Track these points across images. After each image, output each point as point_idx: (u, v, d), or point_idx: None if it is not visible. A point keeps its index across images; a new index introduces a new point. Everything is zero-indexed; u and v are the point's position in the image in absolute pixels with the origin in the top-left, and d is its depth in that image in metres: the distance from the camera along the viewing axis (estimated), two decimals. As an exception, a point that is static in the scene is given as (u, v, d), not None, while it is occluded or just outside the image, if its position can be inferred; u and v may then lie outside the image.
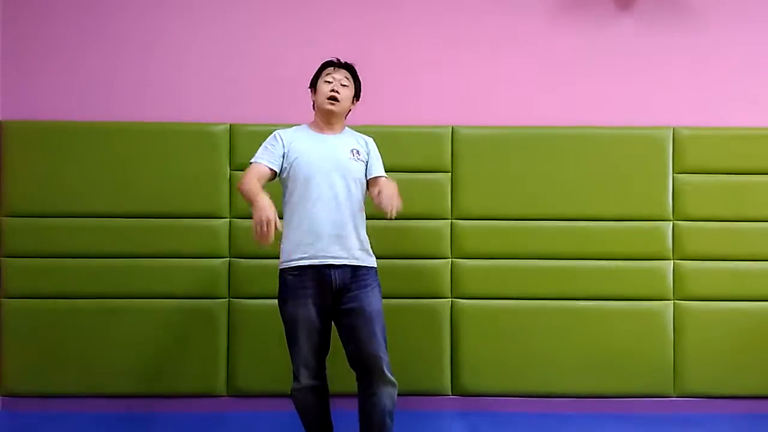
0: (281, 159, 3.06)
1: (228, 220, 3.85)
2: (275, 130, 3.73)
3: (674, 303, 3.86)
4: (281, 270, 3.05)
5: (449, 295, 3.86)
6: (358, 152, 3.12)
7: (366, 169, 3.14)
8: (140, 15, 3.95)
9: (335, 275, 2.98)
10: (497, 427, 3.60)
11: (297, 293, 2.98)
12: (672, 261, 3.87)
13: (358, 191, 3.08)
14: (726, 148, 3.87)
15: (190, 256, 3.82)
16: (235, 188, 3.82)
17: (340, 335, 3.04)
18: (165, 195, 3.82)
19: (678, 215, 3.87)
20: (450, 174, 3.85)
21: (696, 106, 3.95)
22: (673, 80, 3.96)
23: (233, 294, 3.84)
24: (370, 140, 3.21)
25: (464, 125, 3.88)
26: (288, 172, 3.06)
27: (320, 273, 2.98)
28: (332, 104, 3.09)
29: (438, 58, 3.95)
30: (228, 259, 3.84)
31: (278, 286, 3.05)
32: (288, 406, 3.74)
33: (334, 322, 3.06)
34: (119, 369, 3.81)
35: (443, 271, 3.84)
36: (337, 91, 3.08)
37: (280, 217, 2.99)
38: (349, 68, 3.16)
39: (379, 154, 3.20)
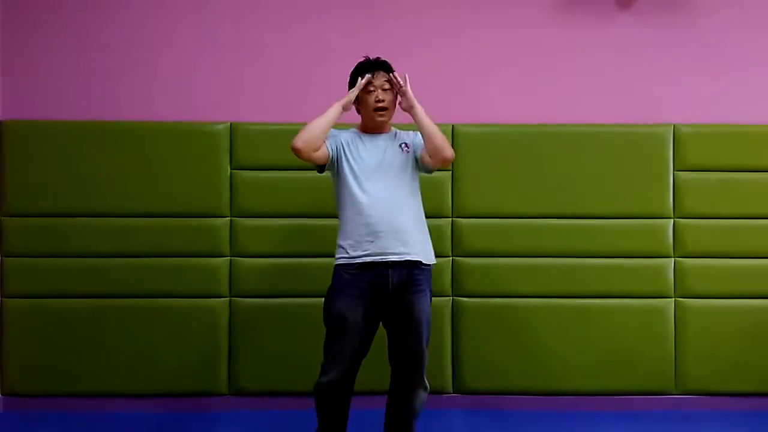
0: (337, 148, 3.09)
1: (229, 218, 3.85)
2: (278, 129, 3.77)
3: (675, 300, 3.86)
4: (337, 266, 3.07)
5: (450, 293, 3.86)
6: (407, 144, 3.16)
7: (415, 154, 3.15)
8: (141, 14, 3.93)
9: (392, 274, 3.01)
10: (499, 424, 3.61)
11: (349, 292, 3.00)
12: (673, 258, 3.87)
13: (413, 186, 3.13)
14: (727, 145, 3.87)
15: (190, 255, 3.82)
16: (235, 187, 3.82)
17: (387, 332, 3.09)
18: (166, 194, 3.81)
19: (679, 212, 3.87)
20: (451, 172, 3.85)
21: (697, 103, 3.94)
22: (674, 77, 3.96)
23: (234, 293, 3.84)
24: (410, 132, 3.22)
25: (465, 123, 3.88)
26: (341, 173, 3.09)
27: (378, 270, 3.00)
28: (382, 116, 3.12)
29: (438, 57, 3.94)
30: (229, 258, 3.84)
31: (332, 279, 3.08)
32: (291, 405, 3.76)
33: (383, 320, 3.08)
34: (120, 369, 3.80)
35: (444, 269, 3.84)
36: (381, 100, 3.10)
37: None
38: (384, 67, 3.15)
39: (419, 134, 3.19)
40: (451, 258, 3.86)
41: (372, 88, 3.11)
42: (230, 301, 3.83)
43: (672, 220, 3.87)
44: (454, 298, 3.86)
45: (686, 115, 3.93)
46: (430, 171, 3.20)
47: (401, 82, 3.11)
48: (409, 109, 3.12)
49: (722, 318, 3.85)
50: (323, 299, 3.10)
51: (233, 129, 3.84)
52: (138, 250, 3.81)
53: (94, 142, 3.82)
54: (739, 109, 3.94)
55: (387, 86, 3.13)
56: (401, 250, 3.02)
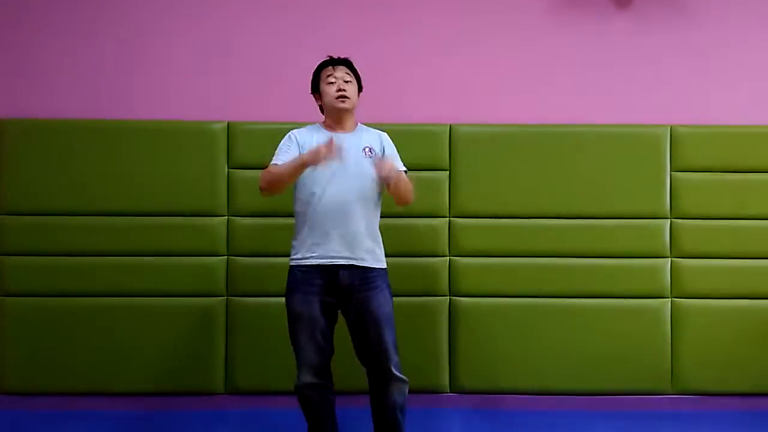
0: (297, 154, 3.06)
1: (226, 218, 3.85)
2: (274, 128, 3.77)
3: (671, 301, 3.87)
4: (291, 265, 3.08)
5: (447, 293, 3.86)
6: (371, 149, 3.11)
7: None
8: (138, 13, 3.94)
9: (343, 275, 3.00)
10: (495, 424, 3.61)
11: (303, 289, 3.01)
12: (669, 259, 3.87)
13: (371, 190, 3.07)
14: (724, 146, 3.87)
15: (188, 254, 3.82)
16: (233, 186, 3.83)
17: (351, 336, 3.08)
18: (163, 193, 3.81)
19: (675, 213, 3.88)
20: (448, 172, 3.86)
21: (694, 104, 3.95)
22: (671, 78, 3.97)
23: (231, 292, 3.84)
24: (385, 135, 3.19)
25: (462, 123, 3.88)
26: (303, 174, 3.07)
27: (328, 272, 3.00)
28: (343, 101, 3.09)
29: (436, 56, 3.95)
30: (226, 257, 3.84)
31: (287, 280, 3.07)
32: (286, 404, 3.76)
33: (347, 323, 3.08)
34: (117, 367, 3.80)
35: (441, 268, 3.85)
36: (343, 89, 3.08)
37: (292, 216, 3.05)
38: (347, 63, 3.16)
39: (394, 147, 3.19)
40: (448, 258, 3.86)
41: (332, 80, 3.09)
42: (227, 300, 3.84)
43: (669, 220, 3.88)
44: (451, 297, 3.86)
45: (683, 115, 3.94)
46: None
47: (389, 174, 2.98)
48: (388, 179, 3.00)
49: (718, 318, 3.85)
50: None
51: (231, 128, 3.85)
52: (135, 249, 3.81)
53: (91, 140, 3.82)
54: (736, 110, 3.95)
55: (348, 79, 3.11)
56: (348, 254, 3.00)
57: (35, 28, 3.91)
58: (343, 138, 3.07)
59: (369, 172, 3.05)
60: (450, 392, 3.87)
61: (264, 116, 3.88)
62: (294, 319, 3.04)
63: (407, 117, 3.89)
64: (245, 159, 3.83)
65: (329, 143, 2.89)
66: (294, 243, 3.09)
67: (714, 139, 3.88)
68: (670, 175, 3.88)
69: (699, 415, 3.76)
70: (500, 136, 3.88)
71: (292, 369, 3.70)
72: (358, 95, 3.18)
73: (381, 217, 3.68)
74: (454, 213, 3.87)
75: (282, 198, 3.78)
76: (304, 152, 3.01)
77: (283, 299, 3.72)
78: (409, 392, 3.58)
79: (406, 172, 3.17)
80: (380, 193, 3.13)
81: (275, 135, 3.73)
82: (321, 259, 3.00)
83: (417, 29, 3.96)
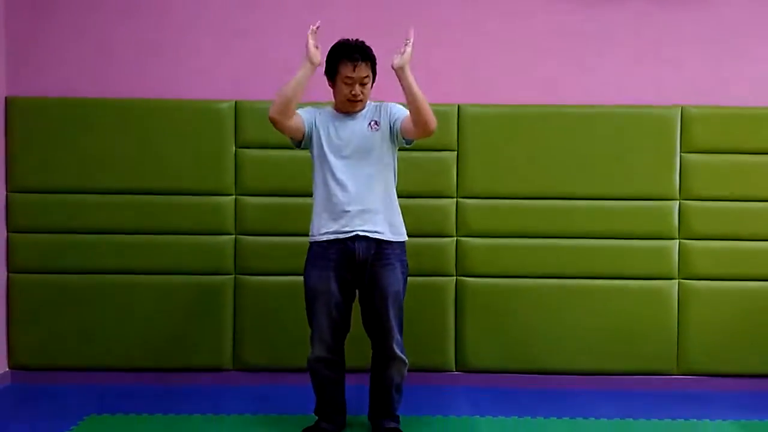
0: (310, 126, 3.11)
1: (234, 197, 3.86)
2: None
3: (679, 282, 3.86)
4: (310, 242, 3.14)
5: (454, 273, 3.87)
6: (376, 122, 3.13)
7: (390, 129, 3.12)
8: (146, -10, 3.92)
9: (359, 247, 3.05)
10: (501, 402, 3.63)
11: (319, 264, 3.07)
12: (678, 240, 3.86)
13: (384, 163, 3.12)
14: (734, 128, 3.84)
15: (196, 232, 3.84)
16: (240, 165, 3.83)
17: (360, 309, 3.15)
18: (171, 172, 3.82)
19: (685, 194, 3.86)
20: (456, 152, 3.84)
21: (705, 85, 3.91)
22: (682, 59, 3.92)
23: (239, 270, 3.86)
24: (385, 103, 3.19)
25: (470, 103, 3.86)
26: (314, 151, 3.13)
27: (345, 245, 3.05)
28: (354, 106, 3.11)
29: (443, 36, 3.91)
30: (234, 235, 3.86)
31: (307, 255, 3.14)
32: (293, 380, 3.80)
33: (358, 296, 3.15)
34: (126, 343, 3.85)
35: (449, 249, 3.85)
36: (357, 93, 3.07)
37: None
38: (367, 58, 3.07)
39: (396, 106, 3.17)
40: (455, 238, 3.86)
41: (349, 81, 3.05)
42: (235, 279, 3.86)
43: (678, 201, 3.86)
44: (458, 277, 3.87)
45: (694, 96, 3.90)
46: (410, 142, 3.16)
47: (408, 40, 3.02)
48: (400, 69, 2.99)
49: (725, 300, 3.85)
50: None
51: (238, 107, 3.84)
52: (143, 227, 3.83)
53: (99, 119, 3.83)
54: (747, 91, 3.90)
55: (366, 81, 3.08)
56: (366, 227, 3.05)
57: (43, 6, 3.89)
58: (352, 118, 3.13)
59: (378, 145, 3.09)
60: (456, 371, 3.90)
61: (272, 95, 3.83)
62: (311, 293, 3.09)
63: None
64: (253, 138, 3.82)
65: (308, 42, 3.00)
66: (313, 219, 3.14)
67: (725, 121, 3.84)
68: (680, 156, 3.85)
69: (705, 396, 3.77)
70: (508, 116, 3.85)
71: (298, 346, 3.74)
72: (372, 85, 3.15)
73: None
74: (462, 193, 3.86)
75: (289, 177, 3.81)
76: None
77: (290, 278, 3.79)
78: (416, 370, 3.63)
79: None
80: (395, 168, 3.18)
81: (283, 114, 3.77)
82: (337, 234, 3.05)
83: (425, 11, 3.91)
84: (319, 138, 3.11)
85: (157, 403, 3.59)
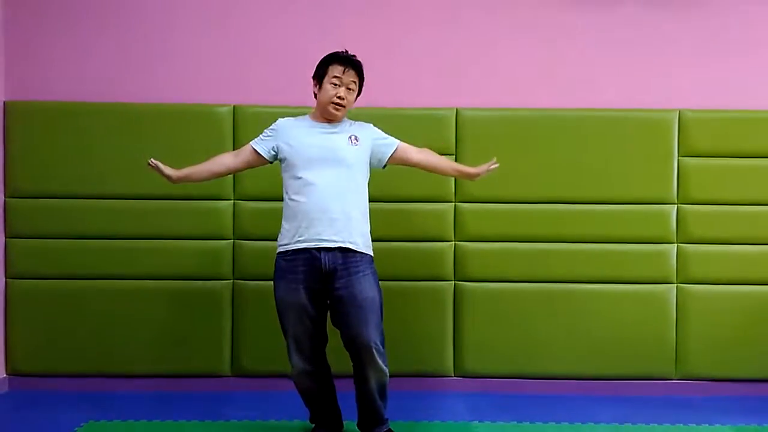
0: (274, 149, 3.13)
1: (232, 201, 3.86)
2: (279, 111, 3.76)
3: (677, 286, 3.86)
4: (277, 255, 3.11)
5: (452, 278, 3.87)
6: (356, 138, 3.12)
7: (371, 154, 3.16)
8: (144, -5, 3.92)
9: (325, 258, 3.00)
10: (499, 408, 3.63)
11: (287, 277, 3.03)
12: (676, 244, 3.86)
13: (357, 178, 3.09)
14: (732, 131, 3.84)
15: (194, 237, 3.84)
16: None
17: (332, 321, 3.08)
18: (169, 177, 3.82)
19: (682, 198, 3.86)
20: (454, 156, 3.84)
21: (702, 89, 3.91)
22: (679, 63, 3.93)
23: (237, 275, 3.86)
24: (368, 125, 3.22)
25: (468, 107, 3.86)
26: (286, 161, 3.11)
27: (311, 256, 3.01)
28: (337, 110, 3.09)
29: (442, 40, 3.92)
30: (232, 240, 3.86)
31: (274, 269, 3.11)
32: (291, 386, 3.77)
33: (329, 309, 3.09)
34: (125, 349, 3.84)
35: (447, 253, 3.85)
36: (342, 98, 3.07)
37: (279, 200, 3.13)
38: (356, 67, 3.11)
39: (380, 131, 3.22)
40: (453, 243, 3.86)
41: (337, 82, 3.06)
42: (233, 284, 3.86)
43: (675, 205, 3.86)
44: (456, 282, 3.87)
45: (692, 100, 3.90)
46: (385, 167, 3.23)
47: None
48: (476, 176, 3.29)
49: (724, 304, 3.85)
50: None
51: (237, 111, 3.84)
52: (142, 232, 3.83)
53: (98, 123, 3.82)
54: (744, 94, 3.91)
55: (352, 87, 3.10)
56: (334, 237, 3.01)
57: (42, 11, 3.89)
58: (329, 128, 3.12)
59: (355, 160, 3.08)
60: (454, 376, 3.89)
61: (270, 100, 3.87)
62: (281, 306, 3.05)
63: (413, 101, 3.87)
64: (251, 143, 3.82)
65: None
66: (280, 233, 3.11)
67: (722, 125, 3.85)
68: (678, 160, 3.85)
69: (703, 401, 3.78)
70: (507, 120, 3.86)
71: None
72: (355, 99, 3.17)
73: (387, 201, 3.69)
74: (460, 198, 3.86)
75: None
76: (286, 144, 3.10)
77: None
78: (414, 376, 3.62)
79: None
80: (367, 181, 3.16)
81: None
82: (305, 242, 3.01)
83: (424, 14, 3.92)
84: (289, 146, 3.08)
85: (155, 409, 3.58)
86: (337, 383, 3.22)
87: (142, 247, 3.83)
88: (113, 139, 3.82)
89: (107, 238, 3.83)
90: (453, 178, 3.83)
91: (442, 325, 3.85)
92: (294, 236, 3.04)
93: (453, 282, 3.87)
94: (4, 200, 3.84)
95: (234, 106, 3.85)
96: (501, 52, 3.93)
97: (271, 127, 3.18)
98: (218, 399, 3.73)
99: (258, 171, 3.79)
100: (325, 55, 3.14)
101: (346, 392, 3.24)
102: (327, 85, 3.08)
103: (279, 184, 3.78)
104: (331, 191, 3.02)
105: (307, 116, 3.19)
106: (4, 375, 3.86)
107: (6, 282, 3.85)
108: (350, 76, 3.08)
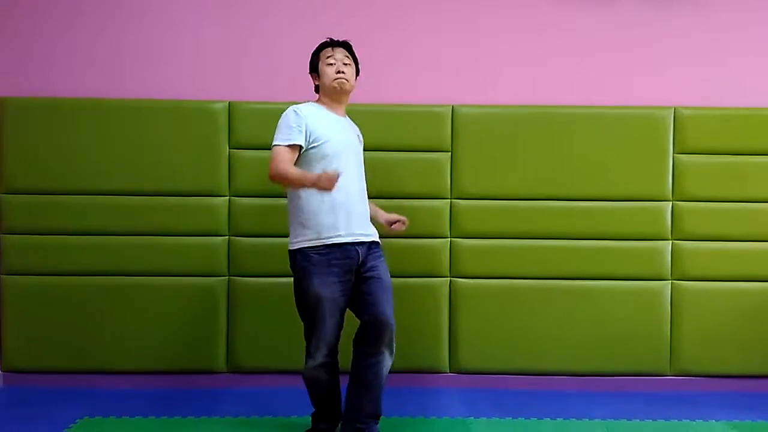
0: (308, 135, 3.05)
1: (227, 198, 3.85)
2: (274, 107, 3.75)
3: (672, 283, 3.88)
4: (303, 249, 3.04)
5: (448, 274, 3.87)
6: (359, 137, 3.27)
7: None
8: (138, -10, 3.91)
9: (360, 252, 3.07)
10: (494, 404, 3.64)
11: (324, 271, 3.01)
12: (670, 241, 3.88)
13: (363, 173, 3.21)
14: (727, 129, 3.85)
15: (189, 234, 3.83)
16: (234, 166, 3.82)
17: (356, 303, 3.09)
18: (164, 173, 3.81)
19: (677, 195, 3.87)
20: (450, 153, 3.84)
21: (697, 86, 3.93)
22: (675, 60, 3.94)
23: (233, 272, 3.85)
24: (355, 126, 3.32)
25: (464, 104, 3.86)
26: (311, 150, 3.06)
27: (348, 251, 3.04)
28: (342, 84, 3.11)
29: (438, 37, 3.92)
30: (227, 237, 3.85)
31: (297, 263, 3.05)
32: (286, 382, 3.79)
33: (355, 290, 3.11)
34: (119, 346, 3.83)
35: (442, 250, 3.85)
36: (342, 71, 3.10)
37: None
38: (346, 46, 3.17)
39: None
40: (449, 239, 3.87)
41: (332, 61, 3.11)
42: (228, 280, 3.85)
43: (670, 202, 3.87)
44: (452, 279, 3.87)
45: (687, 97, 3.91)
46: None
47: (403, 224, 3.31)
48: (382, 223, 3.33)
49: (718, 301, 3.87)
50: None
51: (232, 108, 3.83)
52: (137, 229, 3.82)
53: (93, 119, 3.81)
54: (739, 92, 3.92)
55: (347, 62, 3.14)
56: (368, 231, 3.13)
57: (36, 6, 3.87)
58: (342, 122, 3.16)
59: (361, 155, 3.21)
60: (450, 372, 3.90)
61: (266, 96, 3.87)
62: (315, 301, 3.01)
63: (409, 98, 3.87)
64: (246, 139, 3.82)
65: (332, 178, 2.90)
66: (307, 223, 3.04)
67: (718, 122, 3.86)
68: (673, 157, 3.86)
69: (697, 397, 3.79)
70: (502, 117, 3.86)
71: (292, 348, 3.75)
72: (356, 78, 3.19)
73: (383, 197, 3.69)
74: (456, 194, 3.86)
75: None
76: (313, 174, 2.96)
77: (283, 279, 3.78)
78: (409, 372, 3.63)
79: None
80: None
81: (277, 115, 3.72)
82: (344, 237, 3.04)
83: (419, 10, 3.92)
84: (317, 135, 3.05)
85: (150, 405, 3.57)
86: (345, 380, 3.22)
87: (137, 243, 3.82)
88: (108, 135, 3.81)
89: (102, 235, 3.82)
90: (449, 175, 3.83)
91: (438, 322, 3.86)
92: (330, 231, 3.02)
93: (449, 278, 3.87)
94: (-1, 196, 3.83)
95: (229, 102, 3.84)
96: (497, 50, 3.94)
97: (290, 117, 3.06)
98: (213, 395, 3.73)
99: (254, 167, 3.81)
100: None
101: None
102: (324, 68, 3.12)
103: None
104: (357, 184, 3.13)
105: (314, 103, 3.17)
106: (-1, 371, 3.86)
107: (0, 278, 3.83)
108: (341, 53, 3.13)
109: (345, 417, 3.08)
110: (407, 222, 3.33)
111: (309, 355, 3.06)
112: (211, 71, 3.90)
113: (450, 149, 3.84)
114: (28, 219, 3.81)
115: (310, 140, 3.05)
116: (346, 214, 3.04)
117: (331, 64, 3.11)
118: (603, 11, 3.94)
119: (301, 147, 3.04)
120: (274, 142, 3.06)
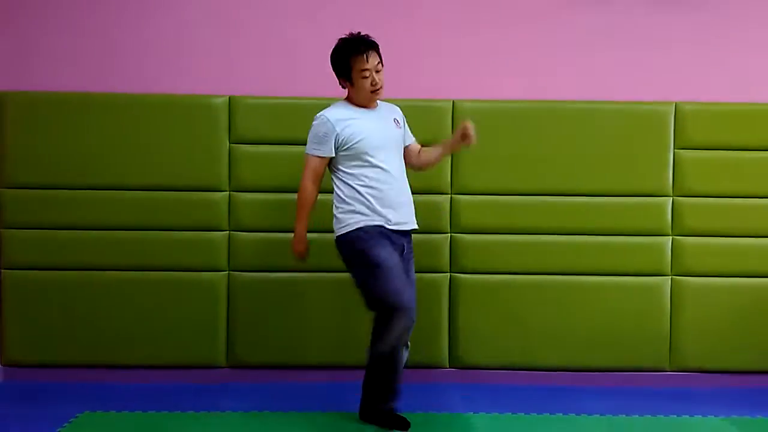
0: (336, 143, 3.13)
1: (227, 193, 3.84)
2: (275, 102, 3.76)
3: (672, 278, 3.87)
4: (356, 229, 3.12)
5: (448, 270, 3.87)
6: (397, 120, 3.29)
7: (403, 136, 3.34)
8: (138, -16, 3.90)
9: (404, 241, 3.22)
10: (494, 399, 3.64)
11: (381, 242, 3.10)
12: (671, 237, 3.87)
13: (403, 160, 3.31)
14: (728, 124, 3.84)
15: (189, 228, 3.82)
16: (234, 161, 3.81)
17: None
18: (164, 167, 3.80)
19: (678, 191, 3.86)
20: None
21: (698, 82, 3.91)
22: (676, 55, 3.93)
23: (233, 267, 3.85)
24: (395, 107, 3.36)
25: (465, 99, 3.86)
26: (348, 152, 3.13)
27: (396, 238, 3.17)
28: (377, 96, 3.19)
29: (439, 31, 3.91)
30: (227, 231, 3.85)
31: (351, 243, 3.13)
32: (286, 377, 3.80)
33: None
34: (120, 340, 3.83)
35: (443, 245, 3.85)
36: (377, 83, 3.14)
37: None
38: (375, 47, 3.18)
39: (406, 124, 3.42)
40: (449, 234, 3.86)
41: (367, 74, 3.10)
42: (229, 275, 3.85)
43: (671, 198, 3.87)
44: (452, 274, 3.87)
45: (688, 93, 3.90)
46: None
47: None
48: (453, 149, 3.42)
49: (718, 296, 3.86)
50: (345, 268, 3.24)
51: (232, 102, 3.82)
52: (137, 224, 3.81)
53: (93, 114, 3.80)
54: (740, 87, 3.91)
55: (379, 67, 3.15)
56: (412, 219, 3.26)
57: (37, 1, 3.86)
58: (376, 112, 3.22)
59: (401, 142, 3.28)
60: (449, 367, 3.90)
61: (266, 91, 3.86)
62: (382, 262, 3.06)
63: (410, 92, 3.86)
64: (247, 134, 3.81)
65: (301, 253, 3.25)
66: (351, 209, 3.13)
67: (718, 117, 3.85)
68: (674, 152, 3.86)
69: (697, 392, 3.79)
70: (503, 112, 3.85)
71: (292, 342, 3.76)
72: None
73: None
74: (456, 190, 3.86)
75: (283, 173, 3.79)
76: (300, 230, 3.25)
77: (284, 274, 3.79)
78: (409, 367, 3.62)
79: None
80: None
81: (277, 110, 3.77)
82: (394, 225, 3.14)
83: (421, 5, 3.91)
84: (352, 134, 3.12)
85: (151, 400, 3.58)
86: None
87: (137, 238, 3.81)
88: (108, 129, 3.80)
89: (103, 229, 3.81)
90: (449, 170, 3.83)
91: (438, 316, 3.85)
92: (380, 218, 3.12)
93: (449, 273, 3.87)
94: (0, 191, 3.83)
95: (229, 97, 3.83)
96: (498, 45, 3.92)
97: (320, 126, 3.14)
98: (213, 390, 3.73)
99: (254, 161, 3.81)
100: (336, 44, 3.19)
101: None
102: (359, 81, 3.12)
103: (274, 174, 3.81)
104: (399, 173, 3.20)
105: (344, 103, 3.23)
106: (-1, 366, 3.86)
107: (0, 272, 3.83)
108: (374, 59, 3.13)
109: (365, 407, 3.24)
110: (470, 126, 3.24)
111: (387, 330, 3.07)
112: (212, 66, 3.89)
113: (450, 144, 3.83)
114: (28, 213, 3.80)
115: (342, 144, 3.13)
116: (395, 207, 3.15)
117: (366, 77, 3.11)
118: (604, 7, 3.92)
119: (327, 158, 3.16)
120: (306, 150, 3.20)
